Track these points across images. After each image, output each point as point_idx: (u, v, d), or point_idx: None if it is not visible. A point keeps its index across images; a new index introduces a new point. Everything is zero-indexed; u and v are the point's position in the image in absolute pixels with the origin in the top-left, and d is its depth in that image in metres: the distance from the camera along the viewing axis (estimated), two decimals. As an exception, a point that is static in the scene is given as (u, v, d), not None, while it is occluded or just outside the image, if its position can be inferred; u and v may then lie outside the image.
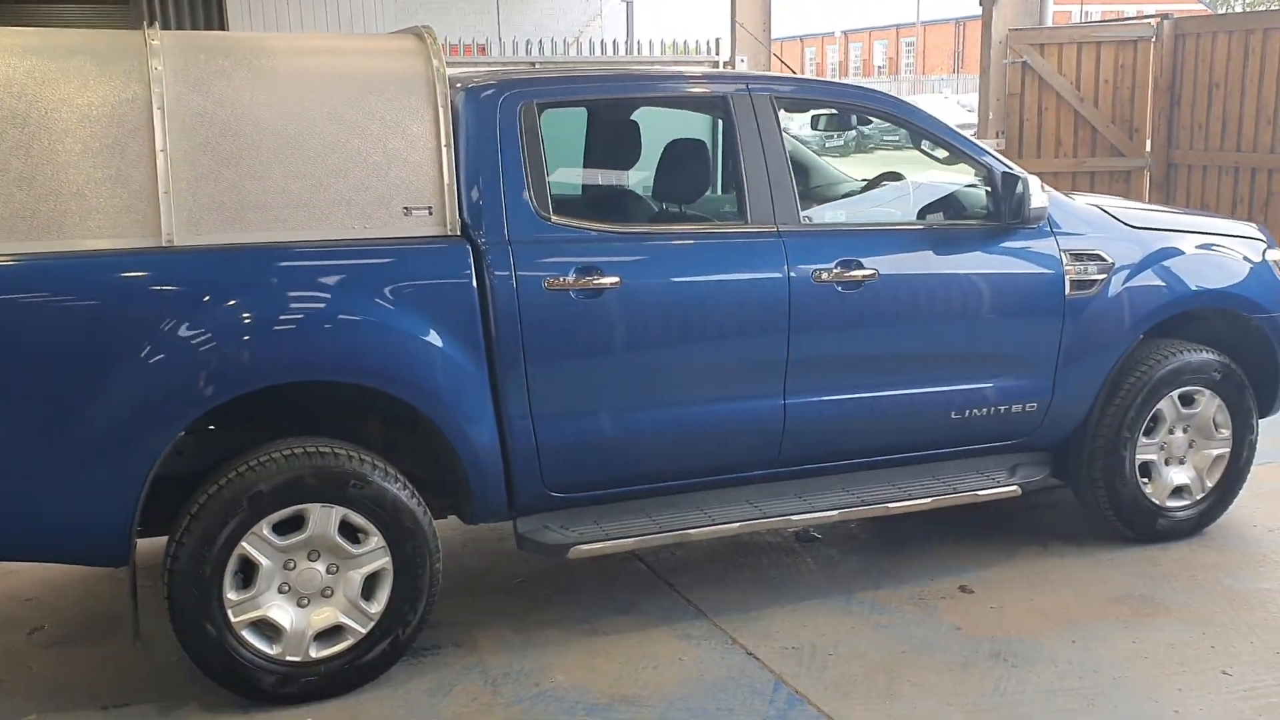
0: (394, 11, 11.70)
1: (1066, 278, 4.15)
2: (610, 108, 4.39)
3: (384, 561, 3.36)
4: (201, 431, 3.48)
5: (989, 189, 4.09)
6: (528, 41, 10.60)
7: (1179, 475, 4.48)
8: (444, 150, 3.37)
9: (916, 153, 4.50)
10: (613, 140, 4.53)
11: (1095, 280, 4.20)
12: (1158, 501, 4.44)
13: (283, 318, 3.24)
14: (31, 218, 3.04)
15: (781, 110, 3.91)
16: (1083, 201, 4.49)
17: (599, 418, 3.62)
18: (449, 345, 3.36)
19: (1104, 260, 4.22)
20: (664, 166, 4.05)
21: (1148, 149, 9.17)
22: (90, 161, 3.08)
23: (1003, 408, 4.16)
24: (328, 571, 3.33)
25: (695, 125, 4.89)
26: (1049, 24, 9.63)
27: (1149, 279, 4.30)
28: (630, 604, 4.01)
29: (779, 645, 3.69)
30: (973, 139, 4.26)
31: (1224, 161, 8.55)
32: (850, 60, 61.72)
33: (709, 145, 4.51)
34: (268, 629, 3.30)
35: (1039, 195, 3.93)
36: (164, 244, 3.14)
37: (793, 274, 3.76)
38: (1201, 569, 4.27)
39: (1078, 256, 4.18)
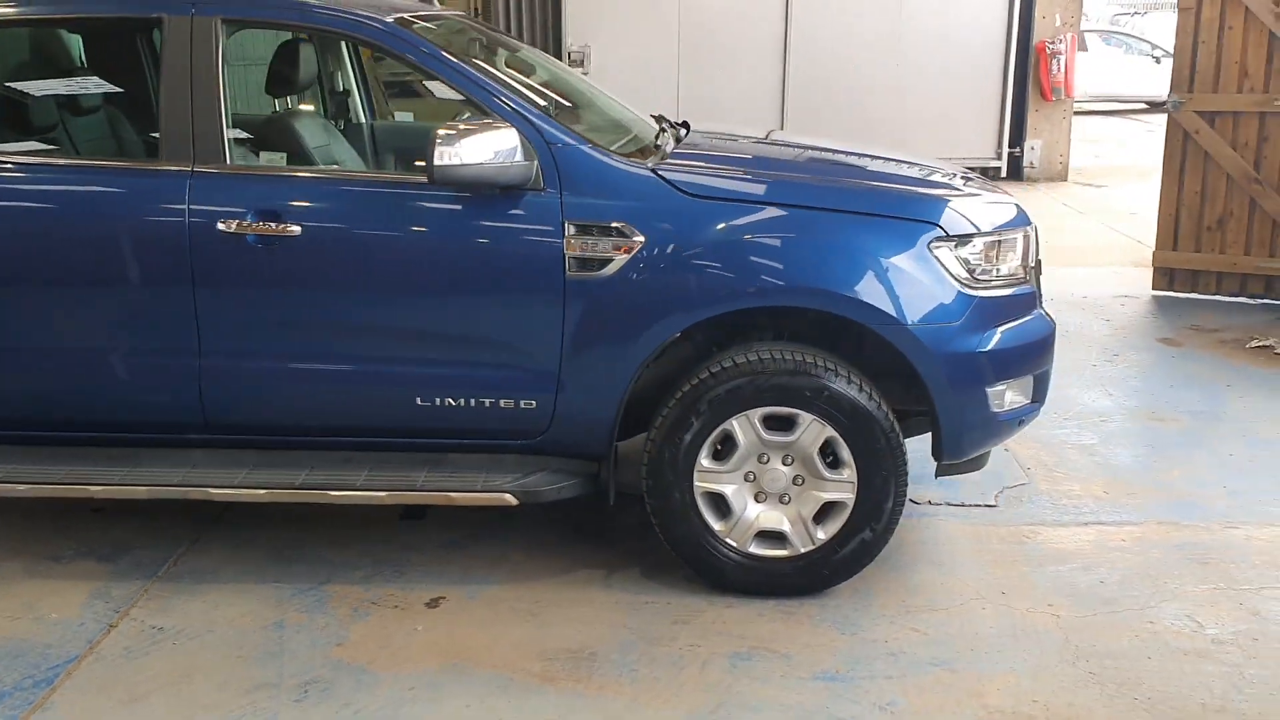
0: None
1: (568, 255, 3.35)
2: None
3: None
4: None
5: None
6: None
7: (771, 517, 3.51)
8: None
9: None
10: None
11: (610, 260, 3.35)
12: (734, 544, 3.52)
13: None
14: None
15: (232, 35, 3.49)
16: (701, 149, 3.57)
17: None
18: None
19: (627, 236, 3.35)
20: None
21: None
22: None
23: (487, 400, 3.49)
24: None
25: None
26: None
27: (693, 265, 3.36)
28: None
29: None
30: (495, 79, 3.51)
31: None
32: None
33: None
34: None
35: (446, 152, 3.17)
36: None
37: (193, 220, 3.39)
38: (715, 636, 3.35)
39: (587, 229, 3.36)
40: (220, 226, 3.38)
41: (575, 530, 4.05)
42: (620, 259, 3.35)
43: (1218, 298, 7.23)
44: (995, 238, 3.51)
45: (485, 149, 3.22)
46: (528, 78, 4.38)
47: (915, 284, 3.35)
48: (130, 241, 3.43)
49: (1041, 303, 3.72)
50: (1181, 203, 7.29)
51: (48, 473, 3.58)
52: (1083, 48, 21.80)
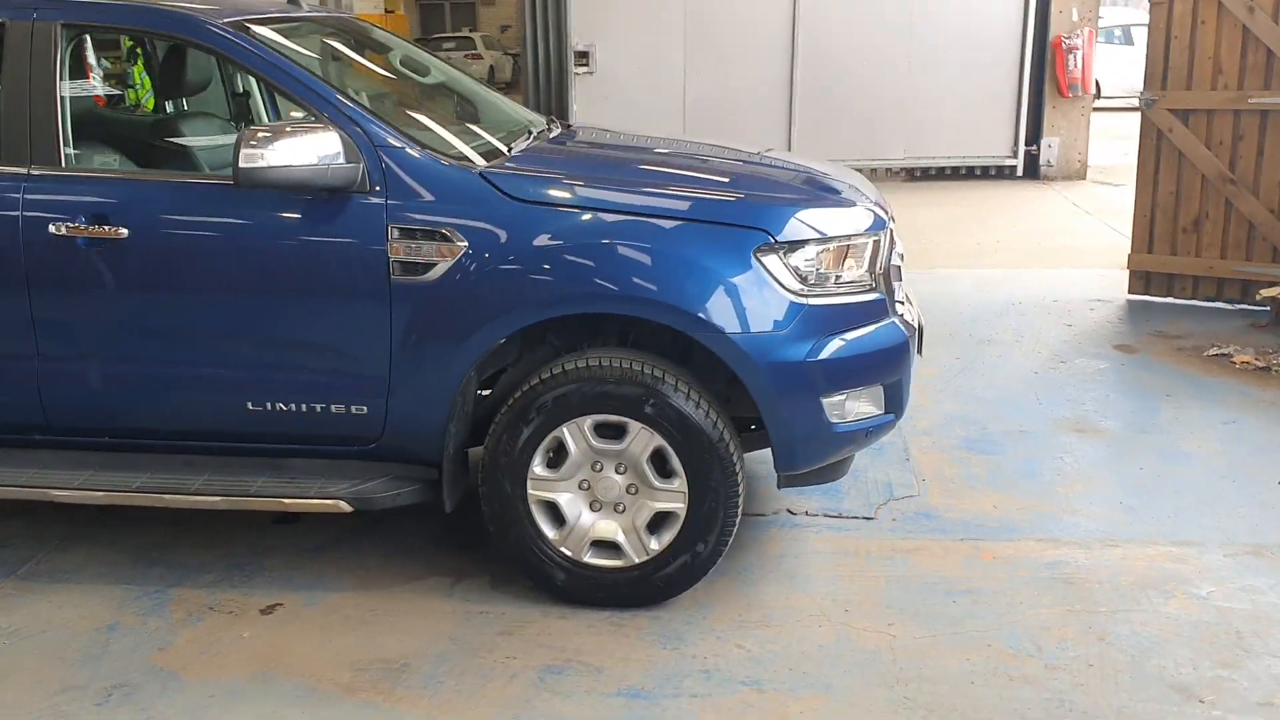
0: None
1: (392, 258, 3.32)
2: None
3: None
4: None
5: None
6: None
7: (605, 527, 3.45)
8: None
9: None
10: None
11: (433, 264, 3.31)
12: (569, 553, 3.46)
13: None
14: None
15: (75, 38, 3.51)
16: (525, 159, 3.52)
17: None
18: None
19: (449, 240, 3.30)
20: None
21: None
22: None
23: (318, 406, 3.47)
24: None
25: None
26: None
27: (515, 270, 3.30)
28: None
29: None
30: (324, 82, 3.47)
31: None
32: None
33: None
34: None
35: (251, 154, 3.14)
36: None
37: (26, 223, 3.41)
38: (536, 648, 3.29)
39: (411, 233, 3.32)
40: (51, 230, 3.40)
41: (441, 537, 4.01)
42: (443, 263, 3.31)
43: (1194, 302, 6.99)
44: (834, 244, 3.40)
45: (299, 151, 3.19)
46: (409, 80, 4.36)
47: (737, 291, 3.25)
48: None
49: (895, 309, 3.60)
50: (1156, 204, 7.06)
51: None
52: (1129, 41, 21.34)
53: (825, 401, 3.37)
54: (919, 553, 3.85)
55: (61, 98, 3.48)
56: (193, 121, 4.38)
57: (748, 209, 3.38)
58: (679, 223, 3.32)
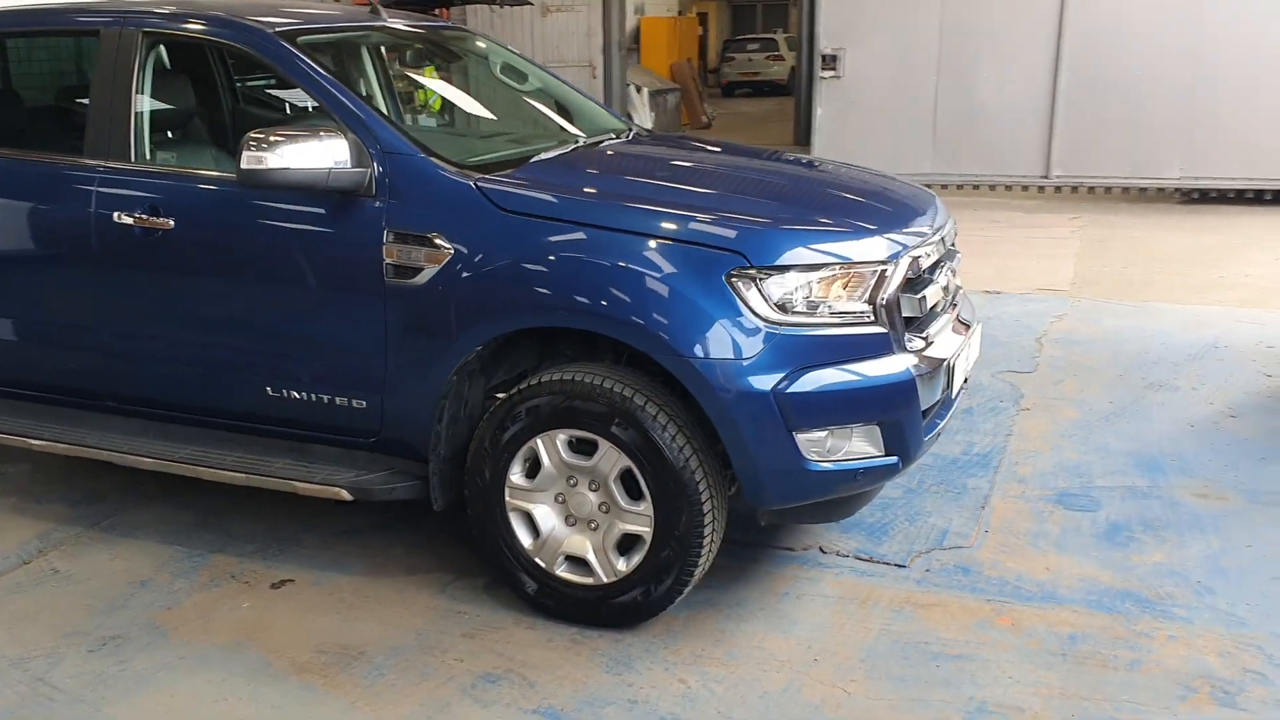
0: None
1: (386, 261, 3.44)
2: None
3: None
4: None
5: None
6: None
7: (577, 543, 3.43)
8: None
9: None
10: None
11: (420, 269, 3.40)
12: (542, 564, 3.47)
13: None
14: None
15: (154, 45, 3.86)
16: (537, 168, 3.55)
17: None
18: None
19: (436, 247, 3.38)
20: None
21: None
22: None
23: (325, 397, 3.65)
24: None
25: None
26: None
27: (488, 279, 3.33)
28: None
29: None
30: (341, 87, 3.61)
31: None
32: None
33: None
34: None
35: (252, 156, 3.32)
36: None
37: (98, 212, 3.79)
38: (487, 654, 3.32)
39: (404, 238, 3.42)
40: (116, 218, 3.75)
41: (466, 535, 4.08)
42: (430, 269, 3.39)
43: None
44: (823, 272, 3.21)
45: (299, 155, 3.35)
46: (486, 87, 4.48)
47: (702, 314, 3.13)
48: (59, 226, 3.88)
49: (906, 342, 3.34)
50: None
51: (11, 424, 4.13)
52: None
53: (801, 437, 3.19)
54: (932, 609, 3.56)
55: (135, 98, 3.83)
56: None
57: (725, 230, 3.23)
58: (654, 240, 3.23)
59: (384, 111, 3.65)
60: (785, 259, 3.19)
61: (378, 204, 3.45)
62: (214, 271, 3.72)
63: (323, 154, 3.38)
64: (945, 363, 3.50)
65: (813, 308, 3.21)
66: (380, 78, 4.86)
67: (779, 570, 3.82)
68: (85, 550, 4.05)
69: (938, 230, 3.75)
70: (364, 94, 3.85)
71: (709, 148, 4.45)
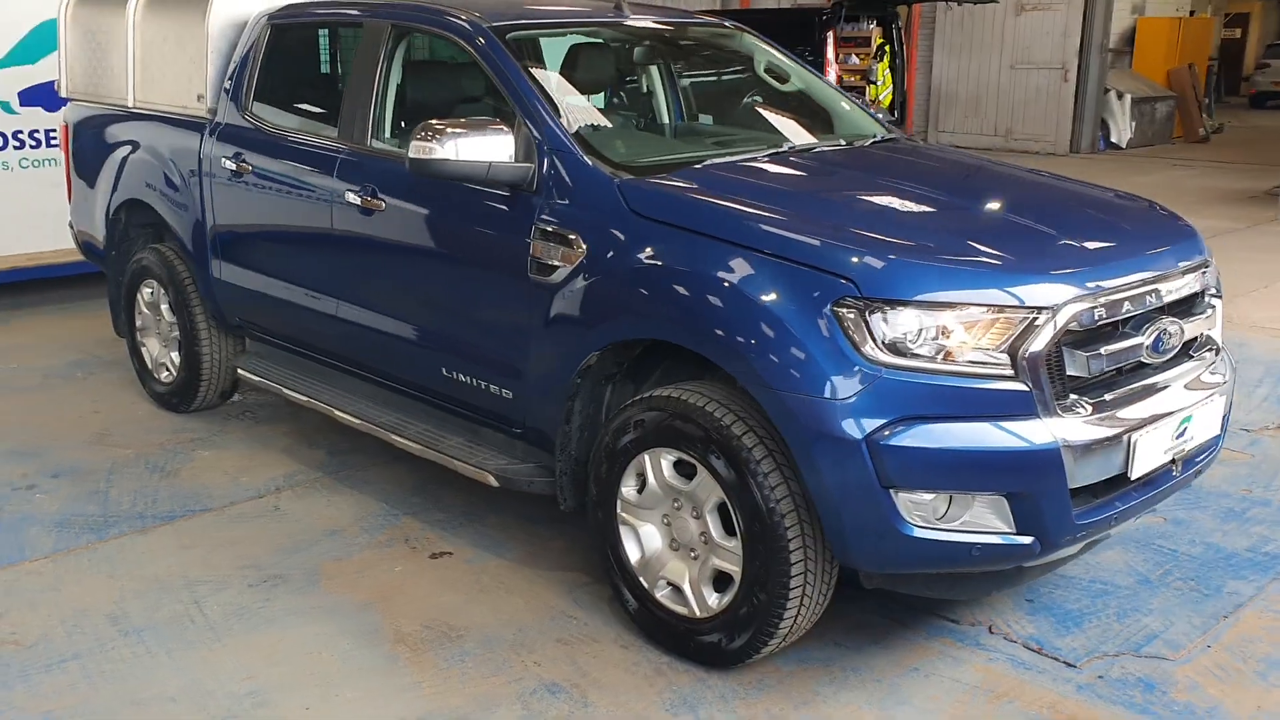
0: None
1: (531, 256, 3.46)
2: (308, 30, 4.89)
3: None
4: None
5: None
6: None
7: (676, 569, 3.28)
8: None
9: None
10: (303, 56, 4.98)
11: (556, 267, 3.39)
12: (645, 584, 3.36)
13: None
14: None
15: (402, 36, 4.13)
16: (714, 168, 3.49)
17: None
18: None
19: (573, 246, 3.35)
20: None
21: None
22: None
23: (483, 383, 3.75)
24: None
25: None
26: None
27: (605, 284, 3.27)
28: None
29: None
30: (530, 89, 3.63)
31: None
32: None
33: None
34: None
35: (421, 146, 3.40)
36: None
37: (337, 189, 4.14)
38: (566, 664, 3.25)
39: (548, 235, 3.42)
40: (349, 198, 4.07)
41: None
42: (564, 268, 3.36)
43: None
44: (946, 312, 2.78)
45: (466, 148, 3.42)
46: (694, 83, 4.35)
47: (798, 344, 2.82)
48: (318, 202, 4.27)
49: (1057, 409, 2.82)
50: None
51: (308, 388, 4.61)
52: None
53: (903, 496, 2.80)
54: (1074, 725, 2.99)
55: (380, 86, 4.11)
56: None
57: (837, 253, 2.89)
58: (760, 255, 2.96)
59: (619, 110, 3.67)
60: (901, 292, 2.80)
61: (536, 200, 3.46)
62: (406, 252, 3.93)
63: (485, 149, 3.44)
64: (1126, 436, 2.92)
65: (935, 352, 2.79)
66: (662, 77, 4.87)
67: (925, 642, 3.39)
68: (311, 494, 4.45)
69: (1162, 275, 3.12)
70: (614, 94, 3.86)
71: (937, 160, 4.01)
